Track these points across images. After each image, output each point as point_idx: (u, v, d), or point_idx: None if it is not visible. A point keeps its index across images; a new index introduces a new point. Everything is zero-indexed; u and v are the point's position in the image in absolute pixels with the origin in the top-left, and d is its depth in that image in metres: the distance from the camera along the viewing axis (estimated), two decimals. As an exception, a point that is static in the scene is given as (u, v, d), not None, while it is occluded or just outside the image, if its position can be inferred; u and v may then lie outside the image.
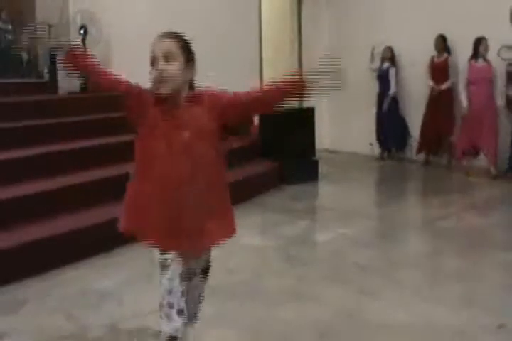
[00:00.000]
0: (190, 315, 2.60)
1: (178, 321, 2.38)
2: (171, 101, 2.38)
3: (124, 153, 6.39)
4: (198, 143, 2.38)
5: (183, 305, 2.42)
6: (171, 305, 2.40)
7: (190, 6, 8.89)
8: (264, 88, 2.54)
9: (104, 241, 5.01)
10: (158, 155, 2.38)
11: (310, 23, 10.80)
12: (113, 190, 5.55)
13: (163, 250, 2.44)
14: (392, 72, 9.54)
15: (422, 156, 9.34)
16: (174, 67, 2.34)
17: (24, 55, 9.70)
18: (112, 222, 5.23)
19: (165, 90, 2.34)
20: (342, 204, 6.99)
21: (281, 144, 7.91)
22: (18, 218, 4.89)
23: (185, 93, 2.41)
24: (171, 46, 2.36)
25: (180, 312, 2.39)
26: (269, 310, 3.84)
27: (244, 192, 6.71)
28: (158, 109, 2.37)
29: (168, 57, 2.34)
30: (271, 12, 10.53)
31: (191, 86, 2.46)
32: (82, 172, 5.87)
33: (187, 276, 2.52)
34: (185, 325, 2.45)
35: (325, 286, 4.33)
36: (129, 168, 6.22)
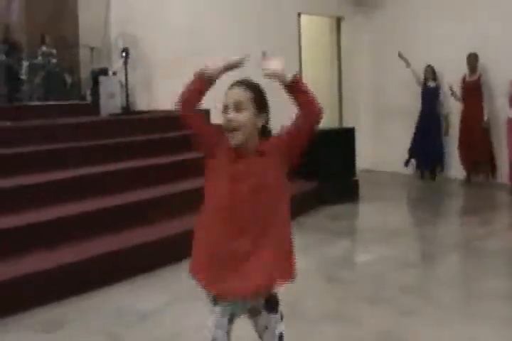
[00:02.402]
0: None
1: None
2: (240, 151, 2.38)
3: (165, 174, 6.55)
4: (259, 194, 2.36)
5: None
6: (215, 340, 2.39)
7: (229, 30, 8.99)
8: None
9: (145, 262, 5.05)
10: (221, 204, 2.38)
11: (350, 46, 10.85)
12: (156, 211, 5.66)
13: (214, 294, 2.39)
14: (441, 91, 9.50)
15: (462, 175, 9.27)
16: (243, 116, 2.34)
17: (68, 78, 9.89)
18: (153, 244, 5.31)
19: (236, 141, 2.35)
20: (382, 225, 6.92)
21: (320, 164, 7.90)
22: (60, 238, 4.97)
23: (254, 142, 2.40)
24: (241, 95, 2.36)
25: None
26: (309, 331, 3.82)
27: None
28: (227, 157, 2.38)
29: (238, 106, 2.34)
30: (310, 35, 10.60)
31: (264, 133, 2.45)
32: (124, 193, 5.93)
33: (251, 314, 2.50)
34: None
35: (366, 307, 4.30)
36: (170, 188, 6.27)
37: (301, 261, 5.39)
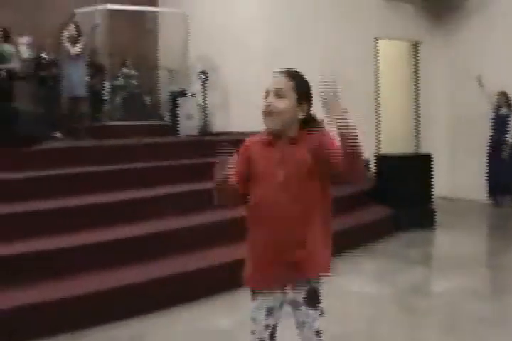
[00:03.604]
0: None
1: None
2: (276, 138, 2.41)
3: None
4: (294, 180, 2.36)
5: (264, 335, 2.47)
6: (253, 332, 2.49)
7: (307, 54, 9.00)
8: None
9: (221, 282, 5.07)
10: (260, 197, 2.42)
11: (427, 70, 10.71)
12: (232, 231, 5.66)
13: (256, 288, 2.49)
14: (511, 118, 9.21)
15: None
16: (282, 104, 2.36)
17: (147, 99, 10.15)
18: (229, 264, 5.32)
19: (271, 125, 2.38)
20: (458, 253, 6.75)
21: (397, 190, 7.79)
22: (144, 255, 5.10)
23: (292, 132, 2.40)
24: (283, 83, 2.38)
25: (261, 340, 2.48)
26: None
27: (357, 239, 6.67)
28: (261, 147, 2.43)
29: (278, 93, 2.37)
30: (388, 60, 10.53)
31: (306, 124, 2.43)
32: (202, 213, 5.98)
33: (292, 305, 2.51)
34: None
35: (441, 338, 4.18)
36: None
37: (375, 288, 5.32)
